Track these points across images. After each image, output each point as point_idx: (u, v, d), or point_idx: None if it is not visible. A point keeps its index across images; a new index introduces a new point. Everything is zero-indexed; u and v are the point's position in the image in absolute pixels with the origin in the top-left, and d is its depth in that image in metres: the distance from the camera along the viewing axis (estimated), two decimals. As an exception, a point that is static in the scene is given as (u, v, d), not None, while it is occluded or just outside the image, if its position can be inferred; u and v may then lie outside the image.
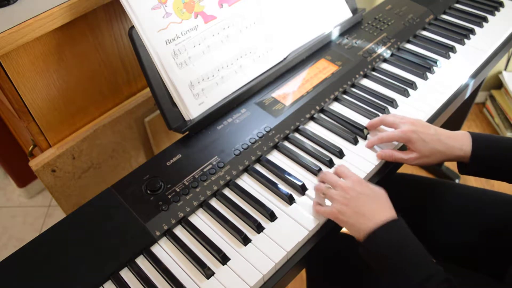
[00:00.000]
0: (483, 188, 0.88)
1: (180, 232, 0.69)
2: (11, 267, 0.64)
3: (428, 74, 0.95)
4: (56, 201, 0.92)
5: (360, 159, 0.78)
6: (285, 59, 0.92)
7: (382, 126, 0.82)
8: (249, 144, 0.79)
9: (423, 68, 0.95)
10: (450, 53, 0.99)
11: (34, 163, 0.84)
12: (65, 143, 0.87)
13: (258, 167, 0.78)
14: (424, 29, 1.08)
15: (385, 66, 0.98)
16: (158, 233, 0.68)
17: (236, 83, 0.85)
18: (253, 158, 0.78)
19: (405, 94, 0.90)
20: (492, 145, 0.73)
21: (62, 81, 0.82)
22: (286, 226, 0.69)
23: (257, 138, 0.80)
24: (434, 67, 0.96)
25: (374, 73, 0.96)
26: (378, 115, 0.84)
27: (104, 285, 0.63)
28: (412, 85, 0.92)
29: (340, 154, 0.79)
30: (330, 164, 0.77)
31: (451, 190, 0.89)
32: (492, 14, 1.11)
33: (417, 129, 0.74)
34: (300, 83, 0.91)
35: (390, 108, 0.87)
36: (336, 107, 0.89)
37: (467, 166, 0.75)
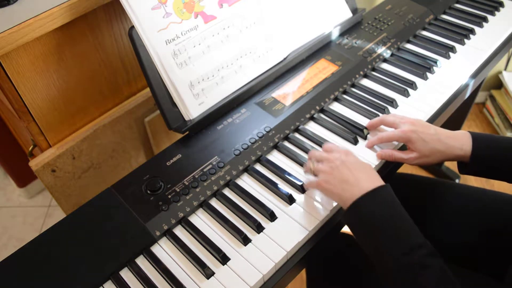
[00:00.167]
0: (483, 188, 0.88)
1: (180, 232, 0.69)
2: (11, 267, 0.64)
3: (428, 74, 0.95)
4: (56, 201, 0.92)
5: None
6: (285, 59, 0.92)
7: (382, 126, 0.83)
8: (249, 144, 0.79)
9: (423, 68, 0.95)
10: (450, 53, 0.99)
11: (34, 163, 0.84)
12: (65, 143, 0.87)
13: (258, 167, 0.78)
14: (424, 29, 1.08)
15: (385, 66, 0.98)
16: (158, 233, 0.68)
17: (236, 83, 0.85)
18: (253, 158, 0.78)
19: (405, 94, 0.90)
20: (492, 145, 0.73)
21: (62, 81, 0.82)
22: (286, 226, 0.69)
23: (257, 138, 0.80)
24: (434, 67, 0.96)
25: (374, 73, 0.96)
26: (378, 115, 0.84)
27: (104, 285, 0.63)
28: (412, 85, 0.92)
29: (340, 154, 0.79)
30: (330, 164, 0.77)
31: (451, 190, 0.89)
32: (492, 14, 1.11)
33: (417, 128, 0.74)
34: (300, 83, 0.91)
35: (390, 108, 0.87)
36: (336, 107, 0.89)
37: (467, 165, 0.75)
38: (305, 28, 0.96)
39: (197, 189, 0.73)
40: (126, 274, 0.65)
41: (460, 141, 0.73)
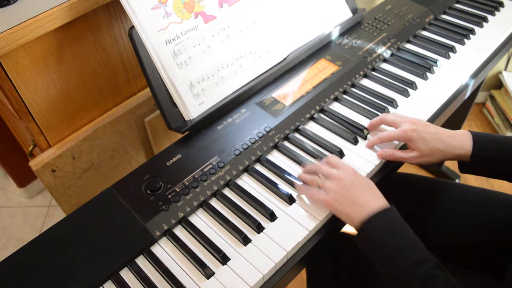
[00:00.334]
0: (483, 188, 0.88)
1: (180, 232, 0.69)
2: (11, 267, 0.64)
3: (428, 74, 0.95)
4: (56, 201, 0.92)
5: (360, 159, 0.78)
6: (285, 59, 0.92)
7: (382, 126, 0.82)
8: (249, 144, 0.79)
9: (423, 68, 0.95)
10: (450, 53, 0.99)
11: (34, 163, 0.84)
12: (65, 143, 0.87)
13: (258, 167, 0.78)
14: (424, 29, 1.08)
15: (385, 66, 0.98)
16: (158, 233, 0.68)
17: (236, 83, 0.85)
18: (253, 158, 0.78)
19: (405, 94, 0.90)
20: (493, 144, 0.73)
21: (62, 81, 0.82)
22: (286, 226, 0.69)
23: (257, 138, 0.80)
24: (434, 67, 0.96)
25: (374, 73, 0.96)
26: (378, 115, 0.84)
27: (104, 285, 0.63)
28: (412, 85, 0.92)
29: (340, 154, 0.79)
30: (330, 164, 0.77)
31: (451, 190, 0.89)
32: (492, 14, 1.11)
33: (417, 128, 0.74)
34: (300, 83, 0.91)
35: (390, 108, 0.87)
36: (336, 107, 0.89)
37: (467, 165, 0.75)
38: (305, 28, 0.96)
39: (197, 189, 0.73)
40: (126, 274, 0.65)
41: (460, 140, 0.73)
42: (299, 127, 0.84)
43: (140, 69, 0.76)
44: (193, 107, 0.80)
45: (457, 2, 1.16)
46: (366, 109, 0.87)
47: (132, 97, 0.97)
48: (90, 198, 0.71)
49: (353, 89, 0.92)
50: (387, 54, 0.99)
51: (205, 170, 0.75)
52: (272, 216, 0.70)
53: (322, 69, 0.94)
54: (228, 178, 0.75)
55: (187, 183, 0.73)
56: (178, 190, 0.72)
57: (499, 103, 1.85)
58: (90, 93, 0.89)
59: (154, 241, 0.68)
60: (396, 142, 0.80)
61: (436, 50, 1.00)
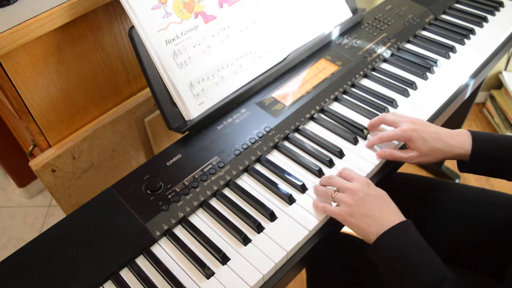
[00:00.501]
0: (483, 188, 0.88)
1: (180, 232, 0.69)
2: (11, 267, 0.64)
3: (428, 74, 0.95)
4: (56, 201, 0.92)
5: (360, 159, 0.78)
6: (285, 59, 0.92)
7: (382, 126, 0.83)
8: (249, 144, 0.79)
9: (423, 68, 0.95)
10: (450, 53, 0.99)
11: (34, 163, 0.84)
12: (65, 143, 0.87)
13: (258, 167, 0.78)
14: (424, 29, 1.08)
15: (385, 66, 0.98)
16: (158, 233, 0.68)
17: (236, 83, 0.85)
18: (253, 158, 0.78)
19: (405, 94, 0.90)
20: (492, 143, 0.73)
21: (62, 81, 0.82)
22: (286, 226, 0.69)
23: (257, 138, 0.80)
24: (434, 67, 0.96)
25: (374, 73, 0.96)
26: (378, 115, 0.84)
27: (104, 285, 0.63)
28: (412, 85, 0.92)
29: (340, 154, 0.79)
30: (330, 164, 0.77)
31: (451, 190, 0.89)
32: (492, 14, 1.11)
33: (417, 127, 0.74)
34: (300, 83, 0.91)
35: (390, 108, 0.87)
36: (336, 107, 0.89)
37: (466, 164, 0.75)
38: (305, 28, 0.96)
39: (197, 189, 0.73)
40: (126, 274, 0.65)
41: (460, 139, 0.73)
42: (299, 127, 0.84)
43: (140, 69, 0.76)
44: (193, 107, 0.80)
45: (457, 2, 1.16)
46: (366, 109, 0.87)
47: (132, 97, 0.97)
48: (90, 198, 0.71)
49: (353, 89, 0.92)
50: (387, 54, 0.99)
51: (205, 170, 0.75)
52: (272, 216, 0.70)
53: (322, 69, 0.94)
54: (228, 178, 0.75)
55: (187, 183, 0.73)
56: (178, 190, 0.72)
57: (499, 103, 1.85)
58: (90, 93, 0.89)
59: (154, 241, 0.68)
60: (396, 142, 0.80)
61: (436, 50, 1.00)
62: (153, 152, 1.07)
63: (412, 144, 0.74)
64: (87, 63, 0.84)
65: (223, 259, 0.65)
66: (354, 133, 0.82)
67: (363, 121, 0.85)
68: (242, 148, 0.79)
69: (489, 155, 0.73)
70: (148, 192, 0.72)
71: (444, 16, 1.12)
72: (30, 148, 0.91)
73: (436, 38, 1.04)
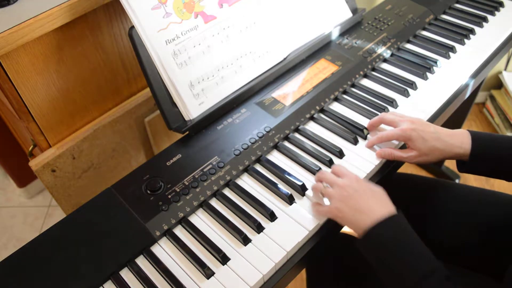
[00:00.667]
0: (483, 188, 0.88)
1: (180, 232, 0.69)
2: (11, 267, 0.64)
3: (428, 74, 0.95)
4: (56, 201, 0.92)
5: (360, 159, 0.78)
6: (285, 59, 0.92)
7: (382, 126, 0.83)
8: (249, 144, 0.79)
9: (423, 68, 0.95)
10: (450, 53, 0.99)
11: (34, 163, 0.84)
12: (65, 143, 0.87)
13: (258, 167, 0.78)
14: (424, 29, 1.08)
15: (385, 66, 0.98)
16: (158, 233, 0.68)
17: (236, 83, 0.85)
18: (253, 158, 0.78)
19: (405, 94, 0.90)
20: (492, 143, 0.73)
21: (62, 81, 0.82)
22: (286, 226, 0.69)
23: (257, 138, 0.80)
24: (434, 67, 0.96)
25: (374, 73, 0.96)
26: (378, 115, 0.84)
27: (104, 285, 0.63)
28: (412, 85, 0.92)
29: (340, 154, 0.79)
30: (330, 164, 0.77)
31: (451, 190, 0.89)
32: (492, 14, 1.11)
33: (416, 127, 0.74)
34: (300, 83, 0.91)
35: (390, 108, 0.87)
36: (336, 107, 0.89)
37: (466, 164, 0.75)
38: (305, 28, 0.96)
39: (197, 189, 0.73)
40: (126, 274, 0.65)
41: (459, 139, 0.73)
42: (299, 127, 0.84)
43: (140, 69, 0.76)
44: (193, 107, 0.80)
45: (457, 2, 1.16)
46: (366, 109, 0.87)
47: (132, 97, 0.97)
48: (90, 198, 0.71)
49: (353, 89, 0.92)
50: (387, 54, 0.99)
51: (205, 170, 0.75)
52: (272, 216, 0.70)
53: (322, 69, 0.94)
54: (228, 178, 0.75)
55: (187, 183, 0.73)
56: (178, 190, 0.72)
57: (499, 103, 1.85)
58: (90, 93, 0.89)
59: (154, 241, 0.68)
60: (395, 142, 0.80)
61: (436, 50, 1.00)
62: (153, 152, 1.07)
63: (412, 144, 0.74)
64: (87, 63, 0.84)
65: (223, 259, 0.65)
66: (354, 133, 0.82)
67: (363, 121, 0.85)
68: (242, 148, 0.79)
69: (488, 155, 0.73)
70: (148, 192, 0.72)
71: (444, 16, 1.12)
72: (30, 148, 0.91)
73: (436, 38, 1.04)
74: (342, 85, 0.91)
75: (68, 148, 0.87)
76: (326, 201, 0.71)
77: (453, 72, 0.95)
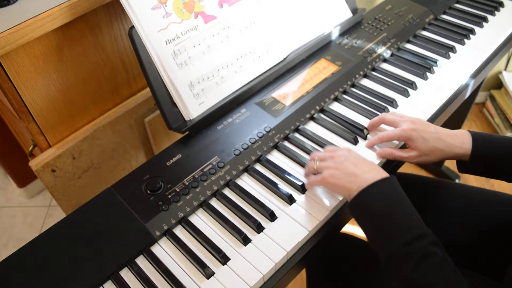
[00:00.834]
0: (483, 188, 0.89)
1: (180, 232, 0.69)
2: (11, 267, 0.64)
3: (428, 74, 0.95)
4: (56, 201, 0.92)
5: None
6: (285, 59, 0.92)
7: (382, 126, 0.83)
8: (249, 144, 0.79)
9: (423, 68, 0.95)
10: (450, 53, 0.99)
11: (34, 163, 0.84)
12: (65, 143, 0.87)
13: (258, 167, 0.78)
14: (424, 29, 1.08)
15: (385, 66, 0.98)
16: (158, 233, 0.68)
17: (236, 83, 0.85)
18: (253, 158, 0.78)
19: (405, 94, 0.90)
20: (492, 144, 0.73)
21: (62, 81, 0.82)
22: (286, 226, 0.69)
23: (257, 138, 0.80)
24: (434, 67, 0.96)
25: (374, 73, 0.96)
26: (378, 115, 0.84)
27: (104, 285, 0.63)
28: (412, 85, 0.92)
29: (340, 154, 0.79)
30: (330, 164, 0.77)
31: (451, 190, 0.89)
32: (492, 14, 1.11)
33: (417, 127, 0.74)
34: (300, 83, 0.91)
35: (390, 108, 0.87)
36: (336, 107, 0.89)
37: (466, 164, 0.75)
38: (305, 28, 0.96)
39: (197, 189, 0.73)
40: (126, 274, 0.65)
41: (460, 139, 0.73)
42: (299, 127, 0.84)
43: (140, 69, 0.76)
44: (193, 107, 0.80)
45: (457, 2, 1.16)
46: (366, 109, 0.87)
47: (132, 97, 0.97)
48: (90, 198, 0.71)
49: (353, 89, 0.92)
50: (387, 54, 0.99)
51: (205, 170, 0.75)
52: (272, 216, 0.70)
53: (322, 69, 0.94)
54: (228, 178, 0.75)
55: (187, 183, 0.73)
56: (178, 190, 0.72)
57: (499, 103, 1.85)
58: (90, 93, 0.89)
59: (154, 241, 0.68)
60: (396, 142, 0.80)
61: (436, 50, 1.00)
62: (153, 152, 1.07)
63: (412, 144, 0.74)
64: (87, 63, 0.84)
65: (223, 259, 0.65)
66: (354, 133, 0.82)
67: (363, 121, 0.85)
68: (242, 148, 0.79)
69: (489, 156, 0.73)
70: (148, 192, 0.72)
71: (444, 16, 1.12)
72: (30, 148, 0.91)
73: (436, 38, 1.04)
74: (342, 85, 0.91)
75: (68, 148, 0.87)
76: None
77: (453, 72, 0.95)
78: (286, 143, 0.82)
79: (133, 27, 0.74)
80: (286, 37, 0.92)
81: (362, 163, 0.67)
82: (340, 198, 0.72)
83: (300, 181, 0.74)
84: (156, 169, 0.75)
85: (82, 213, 0.70)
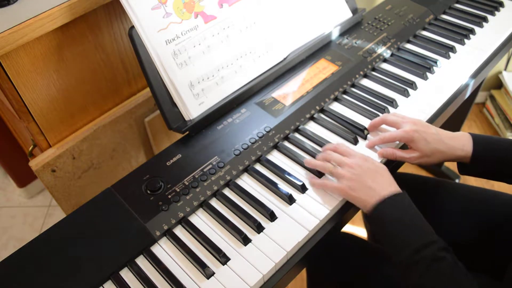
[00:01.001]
0: (483, 188, 0.89)
1: (180, 232, 0.69)
2: (11, 267, 0.64)
3: (428, 74, 0.95)
4: (56, 201, 0.92)
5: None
6: (285, 59, 0.92)
7: (383, 126, 0.83)
8: (249, 144, 0.79)
9: (423, 68, 0.95)
10: (450, 53, 0.99)
11: (34, 163, 0.84)
12: (65, 143, 0.87)
13: (258, 167, 0.78)
14: (424, 29, 1.08)
15: (385, 66, 0.98)
16: (158, 233, 0.68)
17: (236, 83, 0.85)
18: (253, 158, 0.78)
19: (405, 94, 0.90)
20: (493, 146, 0.73)
21: (62, 81, 0.82)
22: (286, 226, 0.69)
23: (257, 138, 0.80)
24: (434, 67, 0.96)
25: (374, 73, 0.96)
26: (378, 115, 0.84)
27: (104, 285, 0.63)
28: (412, 85, 0.92)
29: (340, 154, 0.79)
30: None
31: (451, 190, 0.89)
32: (492, 14, 1.11)
33: (418, 128, 0.74)
34: (300, 83, 0.91)
35: (390, 108, 0.87)
36: (336, 107, 0.89)
37: (467, 166, 0.75)
38: (305, 28, 0.96)
39: (197, 189, 0.73)
40: (126, 274, 0.65)
41: (461, 142, 0.73)
42: (299, 127, 0.84)
43: (140, 69, 0.76)
44: (193, 107, 0.80)
45: (457, 2, 1.16)
46: (366, 109, 0.87)
47: (132, 97, 0.97)
48: (90, 198, 0.71)
49: (353, 89, 0.92)
50: (387, 54, 0.99)
51: (205, 170, 0.75)
52: (272, 216, 0.70)
53: (322, 69, 0.94)
54: (228, 178, 0.75)
55: (187, 183, 0.73)
56: (178, 190, 0.72)
57: (499, 103, 1.85)
58: (90, 93, 0.89)
59: (154, 241, 0.68)
60: (396, 142, 0.80)
61: (436, 50, 1.00)
62: (153, 152, 1.07)
63: (414, 145, 0.74)
64: (87, 63, 0.84)
65: (223, 259, 0.65)
66: (354, 133, 0.82)
67: (363, 121, 0.85)
68: (242, 148, 0.79)
69: (489, 158, 0.73)
70: (148, 192, 0.72)
71: (444, 16, 1.12)
72: (30, 148, 0.91)
73: (436, 38, 1.04)
74: (342, 85, 0.91)
75: (68, 148, 0.87)
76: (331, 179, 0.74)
77: (453, 72, 0.95)
78: (286, 143, 0.82)
79: (133, 27, 0.74)
80: (286, 37, 0.92)
81: (379, 175, 0.70)
82: (340, 199, 0.72)
83: (300, 181, 0.74)
84: (156, 169, 0.75)
85: (82, 213, 0.70)
